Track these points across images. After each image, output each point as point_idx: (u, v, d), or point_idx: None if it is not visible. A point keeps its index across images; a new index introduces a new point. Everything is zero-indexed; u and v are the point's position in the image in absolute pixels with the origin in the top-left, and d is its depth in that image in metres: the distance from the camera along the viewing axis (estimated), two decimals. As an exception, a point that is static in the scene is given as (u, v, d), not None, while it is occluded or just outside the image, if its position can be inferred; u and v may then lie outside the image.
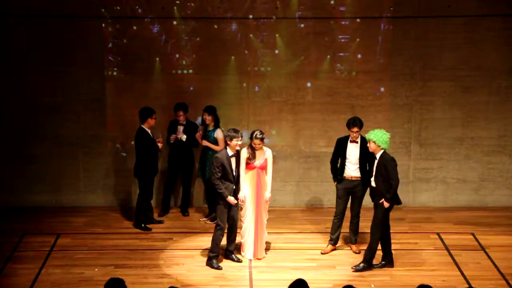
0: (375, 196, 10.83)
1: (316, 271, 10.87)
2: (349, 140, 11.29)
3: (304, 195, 13.59)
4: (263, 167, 11.17)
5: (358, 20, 13.14)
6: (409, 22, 13.11)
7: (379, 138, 10.59)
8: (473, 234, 12.26)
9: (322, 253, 11.55)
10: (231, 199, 10.91)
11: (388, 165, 10.57)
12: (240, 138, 10.87)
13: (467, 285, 10.34)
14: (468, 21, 13.09)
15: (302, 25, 13.16)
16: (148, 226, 12.43)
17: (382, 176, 10.62)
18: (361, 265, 10.90)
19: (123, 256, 11.39)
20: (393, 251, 11.38)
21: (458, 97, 13.35)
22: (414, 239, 12.10)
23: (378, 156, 10.68)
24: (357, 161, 11.16)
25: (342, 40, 13.20)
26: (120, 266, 11.02)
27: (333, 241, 11.59)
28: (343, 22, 13.15)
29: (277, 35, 13.16)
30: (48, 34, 13.02)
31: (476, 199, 13.63)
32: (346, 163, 11.32)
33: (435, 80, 13.30)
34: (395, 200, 10.70)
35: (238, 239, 11.47)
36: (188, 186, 13.13)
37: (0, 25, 12.99)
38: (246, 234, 11.25)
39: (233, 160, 10.96)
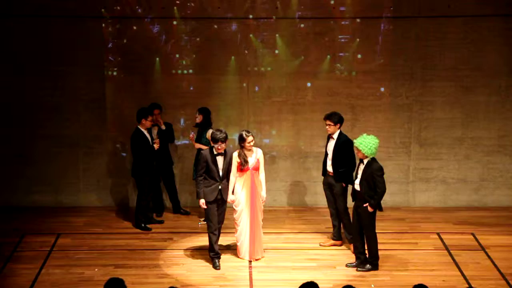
0: (357, 198, 10.82)
1: (316, 271, 10.88)
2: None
3: (304, 195, 13.59)
4: (256, 168, 11.14)
5: (358, 20, 13.14)
6: (409, 22, 13.12)
7: (364, 147, 10.56)
8: (473, 234, 12.26)
9: (320, 245, 11.61)
10: (202, 201, 10.90)
11: (374, 174, 10.55)
12: (220, 143, 10.76)
13: (467, 285, 10.35)
14: (468, 21, 13.10)
15: (302, 25, 13.16)
16: (148, 226, 12.44)
17: (367, 182, 10.61)
18: (367, 266, 10.92)
19: (123, 256, 11.39)
20: (394, 251, 11.41)
21: (458, 97, 13.36)
22: (414, 239, 12.10)
23: (365, 161, 10.66)
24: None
25: (342, 40, 13.20)
26: (120, 266, 11.02)
27: (334, 236, 11.68)
28: (343, 22, 13.15)
29: (277, 35, 13.16)
30: (48, 34, 13.03)
31: (476, 199, 13.63)
32: (327, 158, 11.52)
33: (435, 80, 13.30)
34: (378, 207, 10.71)
35: (231, 241, 11.53)
36: (172, 184, 13.07)
37: (0, 25, 12.99)
38: (242, 237, 11.21)
39: (219, 158, 10.92)
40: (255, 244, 11.21)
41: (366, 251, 10.95)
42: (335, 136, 11.40)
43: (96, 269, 10.88)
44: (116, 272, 10.71)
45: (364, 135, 10.77)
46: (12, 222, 12.64)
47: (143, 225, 12.41)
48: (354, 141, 10.75)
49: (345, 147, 11.30)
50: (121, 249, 11.61)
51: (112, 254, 11.45)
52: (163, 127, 12.67)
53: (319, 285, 7.35)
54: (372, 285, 10.44)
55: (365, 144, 10.57)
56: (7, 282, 10.53)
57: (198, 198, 10.95)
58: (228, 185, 11.01)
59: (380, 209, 10.80)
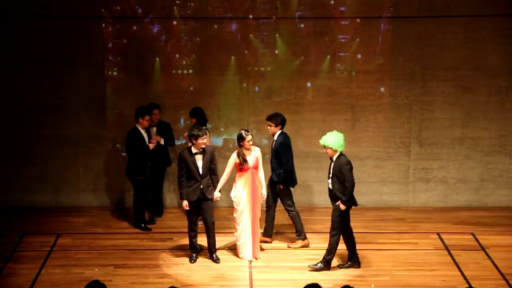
0: (332, 198, 10.81)
1: (316, 271, 10.87)
2: None
3: (304, 195, 13.58)
4: (256, 167, 11.19)
5: (358, 20, 13.14)
6: (409, 22, 13.12)
7: (334, 143, 10.59)
8: (473, 234, 12.26)
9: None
10: (184, 203, 11.01)
11: (342, 168, 10.55)
12: (204, 137, 10.90)
13: (467, 285, 10.35)
14: (468, 21, 13.10)
15: (302, 25, 13.16)
16: (148, 226, 12.43)
17: (338, 178, 10.60)
18: (319, 264, 10.90)
19: (123, 256, 11.39)
20: (394, 251, 11.43)
21: (458, 97, 13.36)
22: (414, 239, 12.11)
23: (334, 158, 10.67)
24: None
25: (342, 40, 13.21)
26: (120, 266, 11.02)
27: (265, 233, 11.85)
28: (343, 22, 13.15)
29: (277, 35, 13.16)
30: (48, 34, 13.02)
31: (476, 199, 13.63)
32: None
33: (435, 80, 13.31)
34: (351, 202, 10.68)
35: (231, 240, 11.53)
36: (161, 186, 13.03)
37: (0, 25, 12.99)
38: (243, 237, 11.22)
39: (198, 157, 10.96)
40: (255, 244, 11.23)
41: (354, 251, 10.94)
42: (275, 137, 11.61)
43: (96, 269, 10.88)
44: (116, 272, 10.74)
45: (328, 132, 10.76)
46: (12, 222, 12.64)
47: (143, 225, 12.40)
48: (320, 140, 10.75)
49: (280, 149, 11.47)
50: (121, 249, 11.62)
51: (112, 254, 11.46)
52: (162, 142, 12.61)
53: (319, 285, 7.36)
54: (372, 285, 10.45)
55: (331, 139, 10.59)
56: (7, 282, 10.54)
57: (181, 199, 11.05)
58: (210, 183, 11.06)
59: (355, 204, 10.75)
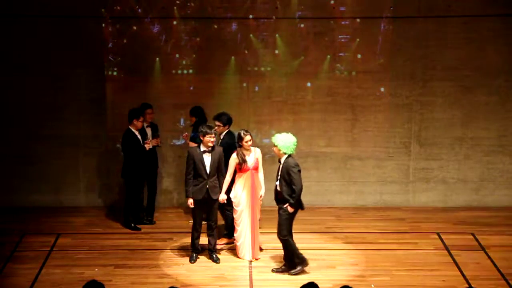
0: (279, 200, 10.74)
1: (316, 271, 10.87)
2: None
3: (304, 195, 13.45)
4: (256, 168, 11.18)
5: (358, 20, 13.14)
6: (409, 22, 13.12)
7: (282, 143, 10.56)
8: (473, 234, 12.26)
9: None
10: (190, 201, 11.01)
11: (290, 170, 10.49)
12: (212, 135, 10.91)
13: (467, 285, 10.35)
14: (468, 21, 13.09)
15: (302, 25, 13.16)
16: (138, 226, 12.41)
17: (285, 181, 10.55)
18: (283, 267, 10.85)
19: (123, 256, 11.39)
20: (394, 251, 11.42)
21: (458, 97, 13.36)
22: (414, 239, 12.11)
23: (282, 160, 10.63)
24: None
25: (342, 40, 13.20)
26: (120, 266, 11.02)
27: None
28: (343, 22, 13.15)
29: (277, 35, 13.16)
30: (48, 34, 13.02)
31: (476, 199, 13.63)
32: None
33: (435, 80, 13.30)
34: (298, 205, 10.63)
35: (228, 240, 11.56)
36: (155, 189, 12.92)
37: (0, 25, 12.99)
38: (242, 237, 11.23)
39: (207, 156, 10.98)
40: (255, 244, 11.23)
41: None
42: (222, 135, 11.70)
43: (96, 269, 10.88)
44: (116, 272, 10.74)
45: (281, 133, 10.74)
46: (12, 222, 12.64)
47: (132, 225, 12.38)
48: (272, 138, 10.75)
49: (226, 149, 11.39)
50: (121, 249, 11.62)
51: (112, 254, 11.46)
52: (160, 144, 12.61)
53: (319, 285, 7.36)
54: (372, 285, 10.45)
55: (281, 140, 10.57)
56: (7, 282, 10.54)
57: (187, 197, 11.05)
58: (216, 183, 11.06)
59: (301, 207, 10.71)
